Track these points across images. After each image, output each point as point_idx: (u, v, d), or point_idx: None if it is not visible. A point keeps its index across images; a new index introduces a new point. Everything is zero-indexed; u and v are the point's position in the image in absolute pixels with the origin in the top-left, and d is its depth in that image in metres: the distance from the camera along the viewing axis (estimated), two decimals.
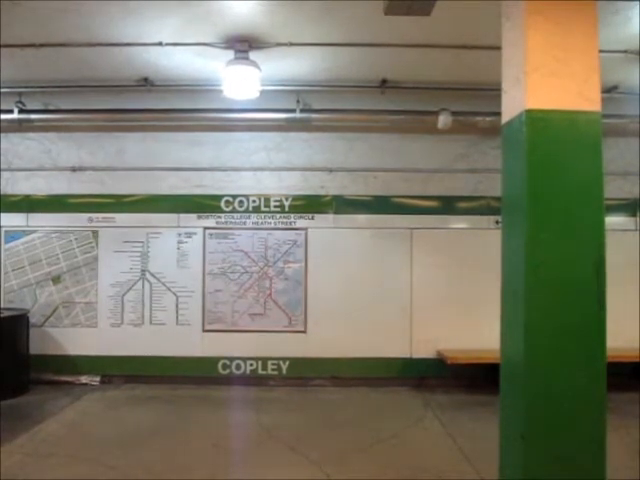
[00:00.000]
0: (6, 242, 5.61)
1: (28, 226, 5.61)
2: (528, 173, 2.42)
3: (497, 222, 5.59)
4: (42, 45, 4.42)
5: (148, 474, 3.47)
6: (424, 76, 4.95)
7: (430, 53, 4.49)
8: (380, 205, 5.59)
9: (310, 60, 4.57)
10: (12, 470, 3.49)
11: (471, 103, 5.25)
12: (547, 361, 2.39)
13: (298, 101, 5.20)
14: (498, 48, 4.40)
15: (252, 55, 4.20)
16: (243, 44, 4.07)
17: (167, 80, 4.97)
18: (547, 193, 2.41)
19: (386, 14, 3.28)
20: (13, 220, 5.60)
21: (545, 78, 2.42)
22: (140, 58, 4.53)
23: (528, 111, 2.41)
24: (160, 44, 4.16)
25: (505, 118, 2.65)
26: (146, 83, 5.01)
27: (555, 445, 2.37)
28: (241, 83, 4.20)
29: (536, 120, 2.41)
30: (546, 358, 2.39)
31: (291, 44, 4.17)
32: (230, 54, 4.25)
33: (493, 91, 5.15)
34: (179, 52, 4.37)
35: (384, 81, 5.01)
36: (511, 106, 2.59)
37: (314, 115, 5.23)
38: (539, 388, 2.39)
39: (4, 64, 4.77)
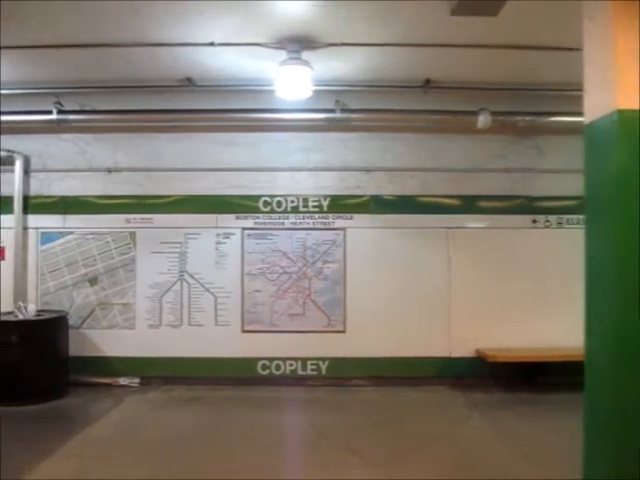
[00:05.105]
0: (42, 244, 5.58)
1: (64, 227, 5.58)
2: (618, 174, 2.43)
3: (534, 221, 5.63)
4: (87, 45, 4.41)
5: (210, 475, 3.46)
6: (467, 76, 4.96)
7: (475, 53, 4.49)
8: (417, 205, 5.60)
9: (358, 60, 4.57)
10: (73, 473, 3.49)
11: (510, 103, 5.27)
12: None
13: (337, 101, 5.19)
14: (545, 48, 4.48)
15: (303, 55, 4.20)
16: (296, 44, 4.07)
17: (213, 80, 4.95)
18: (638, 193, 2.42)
19: (453, 14, 3.30)
20: (49, 221, 5.58)
21: (636, 78, 2.43)
22: (187, 58, 4.51)
23: (620, 111, 2.42)
24: (212, 44, 4.14)
25: (588, 119, 2.66)
26: (189, 83, 5.00)
27: None
28: (294, 83, 4.19)
29: (628, 120, 2.41)
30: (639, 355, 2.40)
31: (343, 44, 4.16)
32: (280, 54, 4.25)
33: (534, 91, 5.26)
34: (229, 52, 4.36)
35: (428, 81, 5.02)
36: (595, 107, 2.60)
37: (354, 115, 5.24)
38: (631, 385, 2.40)
39: (45, 64, 4.76)
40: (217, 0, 3.65)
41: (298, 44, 4.08)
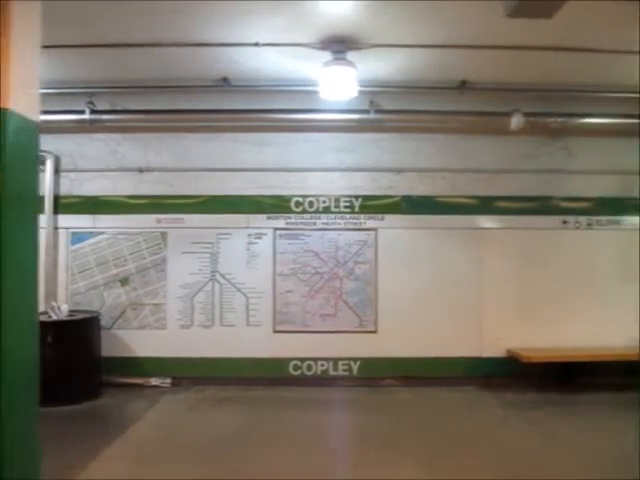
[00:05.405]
0: (72, 244, 5.56)
1: (95, 227, 5.56)
2: None
3: (564, 222, 5.65)
4: (126, 45, 4.39)
5: (263, 475, 3.46)
6: (502, 77, 4.97)
7: (513, 54, 4.49)
8: (448, 205, 5.61)
9: (398, 61, 4.56)
10: (126, 473, 3.48)
11: (542, 104, 5.30)
12: None
13: (372, 102, 5.20)
14: (582, 50, 4.49)
15: (347, 56, 4.20)
16: (341, 45, 4.07)
17: (249, 80, 4.94)
18: None
19: (510, 16, 3.31)
20: (79, 221, 5.55)
21: None
22: (228, 59, 4.50)
23: None
24: (257, 44, 4.14)
25: None
26: (225, 83, 4.99)
27: None
28: (339, 84, 4.19)
29: None
30: None
31: (387, 45, 4.17)
32: (323, 55, 4.25)
33: (567, 92, 5.28)
34: (270, 52, 4.35)
35: (463, 82, 5.02)
36: None
37: (388, 116, 5.24)
38: None
39: (79, 64, 4.74)
40: (264, 0, 3.65)
41: (343, 45, 4.08)
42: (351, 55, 4.25)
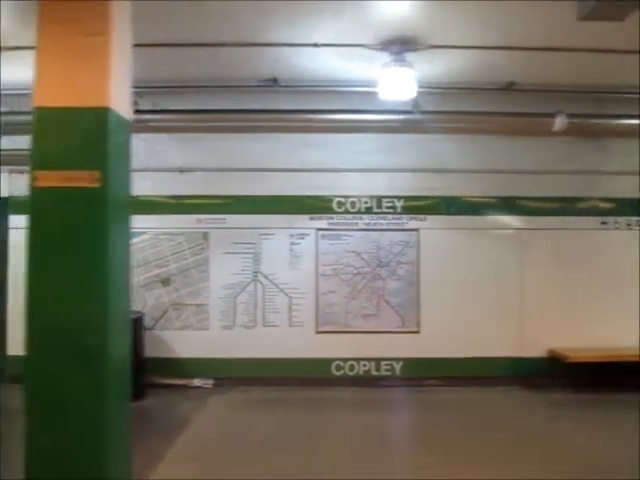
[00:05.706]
0: None
1: (136, 228, 5.52)
2: None
3: (603, 223, 5.70)
4: (179, 45, 4.38)
5: (328, 475, 3.47)
6: (548, 79, 5.01)
7: (558, 56, 4.52)
8: (489, 206, 5.65)
9: (448, 62, 4.59)
10: (197, 474, 3.49)
11: (584, 105, 5.32)
12: None
13: (417, 103, 5.21)
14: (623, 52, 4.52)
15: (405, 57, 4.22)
16: (401, 46, 4.08)
17: (298, 80, 4.96)
18: None
19: (582, 19, 3.32)
20: None
21: None
22: (286, 60, 4.51)
23: None
24: (315, 45, 4.15)
25: None
26: (274, 84, 4.99)
27: None
28: (398, 85, 4.21)
29: None
30: None
31: (445, 47, 4.19)
32: (380, 56, 4.26)
33: (607, 93, 5.32)
34: (324, 53, 4.35)
35: (511, 83, 5.06)
36: None
37: (433, 117, 5.23)
38: None
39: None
40: (327, 0, 3.66)
41: (402, 46, 4.09)
42: (407, 56, 4.26)
